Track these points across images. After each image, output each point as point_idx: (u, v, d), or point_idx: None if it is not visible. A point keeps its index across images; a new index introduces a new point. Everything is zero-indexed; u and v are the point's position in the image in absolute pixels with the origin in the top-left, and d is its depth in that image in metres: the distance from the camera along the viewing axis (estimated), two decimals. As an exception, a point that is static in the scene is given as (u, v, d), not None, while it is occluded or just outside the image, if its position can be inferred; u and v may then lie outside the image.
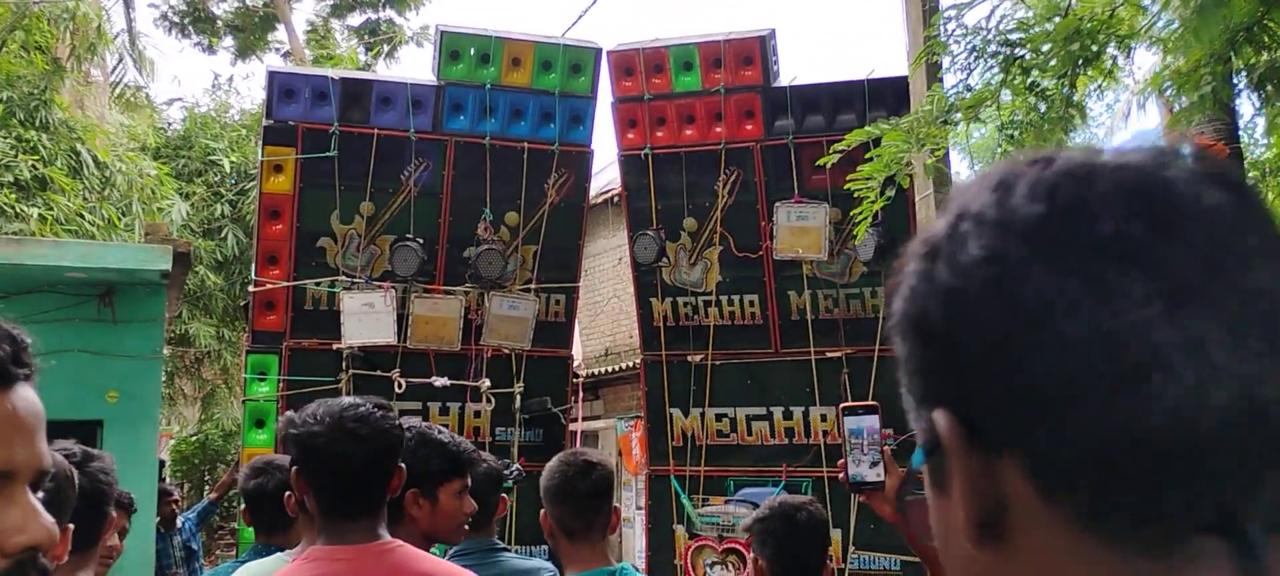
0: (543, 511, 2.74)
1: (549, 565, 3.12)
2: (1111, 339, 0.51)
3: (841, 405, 2.58)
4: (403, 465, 2.16)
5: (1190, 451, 0.51)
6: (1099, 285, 0.52)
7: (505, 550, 3.21)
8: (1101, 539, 0.53)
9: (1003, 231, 0.54)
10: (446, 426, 3.11)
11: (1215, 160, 0.55)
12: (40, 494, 1.00)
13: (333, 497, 2.12)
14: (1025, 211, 0.54)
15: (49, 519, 0.98)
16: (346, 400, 2.17)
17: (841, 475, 2.44)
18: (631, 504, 13.11)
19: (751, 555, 2.85)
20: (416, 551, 2.18)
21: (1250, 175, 9.16)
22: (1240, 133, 8.67)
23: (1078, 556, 0.53)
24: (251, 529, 3.79)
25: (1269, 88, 4.78)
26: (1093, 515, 0.53)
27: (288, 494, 2.82)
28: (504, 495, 3.40)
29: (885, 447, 2.42)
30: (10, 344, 0.96)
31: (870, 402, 2.46)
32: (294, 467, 2.16)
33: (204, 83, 44.02)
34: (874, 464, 2.39)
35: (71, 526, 1.42)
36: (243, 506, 3.99)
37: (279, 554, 2.79)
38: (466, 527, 2.75)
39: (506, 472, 3.48)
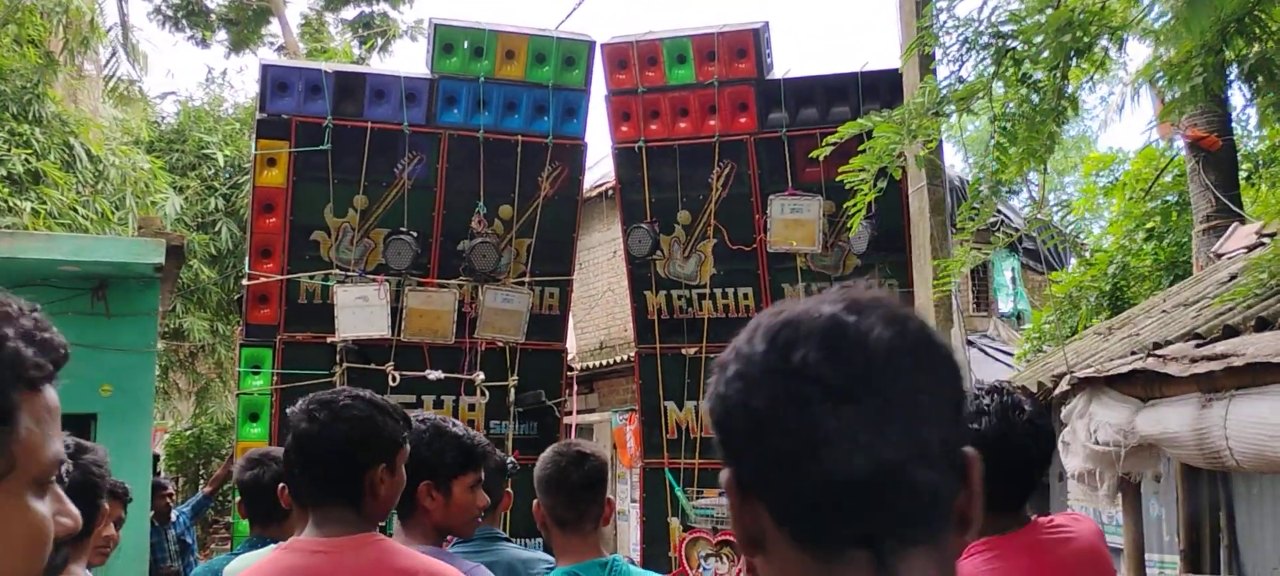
0: (535, 502, 2.73)
1: (547, 556, 3.11)
2: (797, 428, 0.79)
3: None
4: (387, 461, 2.14)
5: (843, 496, 0.79)
6: (792, 394, 0.80)
7: (506, 540, 3.22)
8: (804, 551, 0.82)
9: (745, 360, 0.83)
10: (446, 421, 3.10)
11: (894, 304, 0.83)
12: None
13: (301, 480, 2.16)
14: (758, 348, 0.83)
15: (74, 508, 1.03)
16: (333, 391, 2.19)
17: None
18: (626, 497, 13.13)
19: (744, 546, 2.85)
20: (397, 546, 2.17)
21: (1243, 167, 9.17)
22: (1233, 124, 8.69)
23: (796, 562, 0.82)
24: (246, 522, 3.80)
25: (1260, 79, 4.78)
26: (797, 536, 0.82)
27: (282, 486, 2.83)
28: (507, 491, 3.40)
29: None
30: (54, 339, 0.99)
31: None
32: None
33: (198, 76, 43.78)
34: None
35: None
36: (237, 499, 3.99)
37: (273, 546, 2.79)
38: (480, 520, 2.76)
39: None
